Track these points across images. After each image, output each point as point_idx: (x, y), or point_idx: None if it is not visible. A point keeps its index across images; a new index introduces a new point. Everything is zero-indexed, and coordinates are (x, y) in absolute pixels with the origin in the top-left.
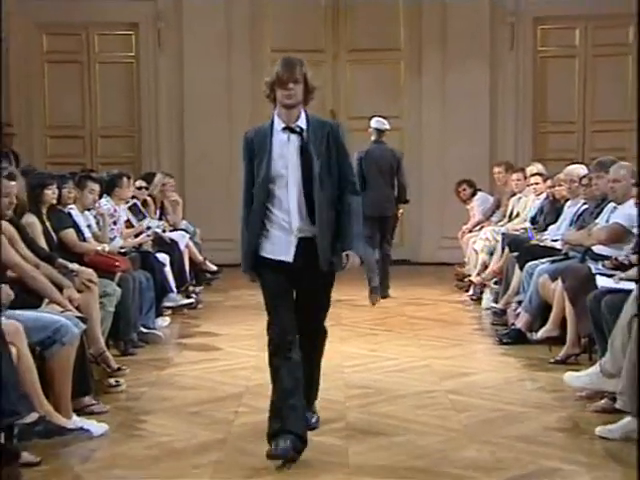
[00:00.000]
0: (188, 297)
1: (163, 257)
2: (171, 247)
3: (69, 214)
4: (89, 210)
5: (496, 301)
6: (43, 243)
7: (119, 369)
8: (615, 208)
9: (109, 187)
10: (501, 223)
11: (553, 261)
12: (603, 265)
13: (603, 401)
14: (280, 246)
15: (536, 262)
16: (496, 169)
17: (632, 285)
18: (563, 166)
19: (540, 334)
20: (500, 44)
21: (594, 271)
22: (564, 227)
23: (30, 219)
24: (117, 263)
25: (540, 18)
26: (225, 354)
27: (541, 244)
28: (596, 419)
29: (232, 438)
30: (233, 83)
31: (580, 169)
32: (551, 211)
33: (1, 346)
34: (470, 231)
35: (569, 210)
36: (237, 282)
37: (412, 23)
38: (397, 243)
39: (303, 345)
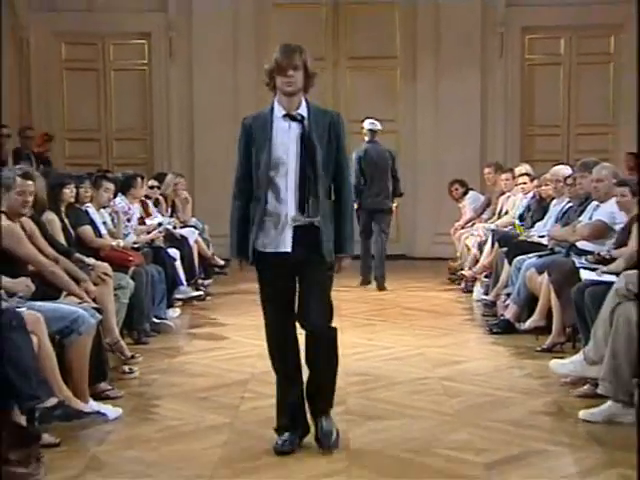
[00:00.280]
0: (197, 289)
1: (174, 252)
2: (181, 243)
3: (86, 212)
4: (104, 208)
5: (486, 293)
6: (62, 239)
7: (133, 357)
8: (598, 206)
9: (124, 187)
10: (491, 220)
11: (540, 256)
12: (586, 259)
13: (586, 387)
14: (277, 238)
15: (524, 257)
16: (486, 170)
17: (614, 278)
18: (549, 167)
19: (527, 324)
20: (490, 52)
21: (578, 265)
22: (550, 224)
23: (50, 216)
24: (131, 258)
25: (528, 28)
26: (232, 343)
27: (528, 240)
28: (579, 403)
29: (238, 422)
30: (239, 89)
31: (565, 169)
32: (538, 209)
33: (22, 335)
34: (462, 228)
35: (555, 208)
36: (243, 275)
37: (407, 32)
38: (393, 239)
39: (311, 347)
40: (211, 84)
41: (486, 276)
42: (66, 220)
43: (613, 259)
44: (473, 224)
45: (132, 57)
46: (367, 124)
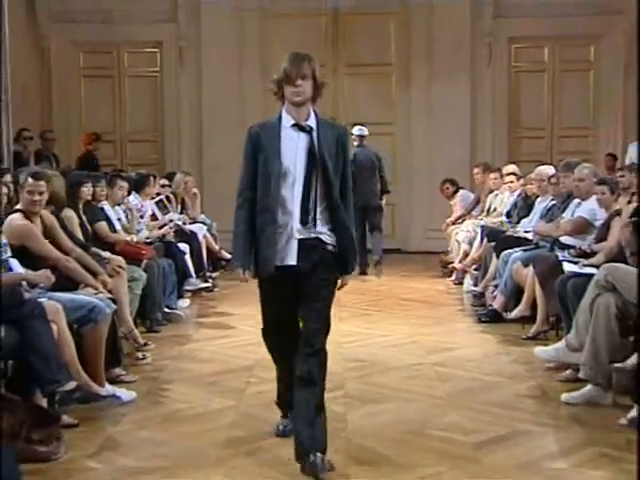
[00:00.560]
0: (205, 281)
1: (184, 246)
2: (191, 238)
3: (102, 209)
4: (119, 205)
5: (476, 285)
6: (79, 234)
7: (145, 344)
8: (579, 204)
9: (138, 185)
10: (480, 217)
11: (525, 250)
12: (569, 253)
13: (568, 371)
14: (283, 249)
15: (510, 251)
16: (475, 169)
17: (594, 270)
18: (534, 167)
19: (514, 314)
20: (479, 61)
21: (561, 258)
22: (535, 220)
23: (68, 213)
24: (143, 252)
25: (514, 38)
26: (238, 331)
27: (515, 235)
28: (562, 387)
29: (243, 405)
30: (245, 94)
31: (549, 169)
32: (524, 206)
33: (43, 324)
34: (453, 224)
35: (539, 205)
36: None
37: (402, 42)
38: (389, 234)
39: (304, 363)
40: (218, 90)
41: (475, 269)
42: (83, 217)
43: (593, 253)
44: (463, 220)
45: (145, 65)
46: (356, 130)
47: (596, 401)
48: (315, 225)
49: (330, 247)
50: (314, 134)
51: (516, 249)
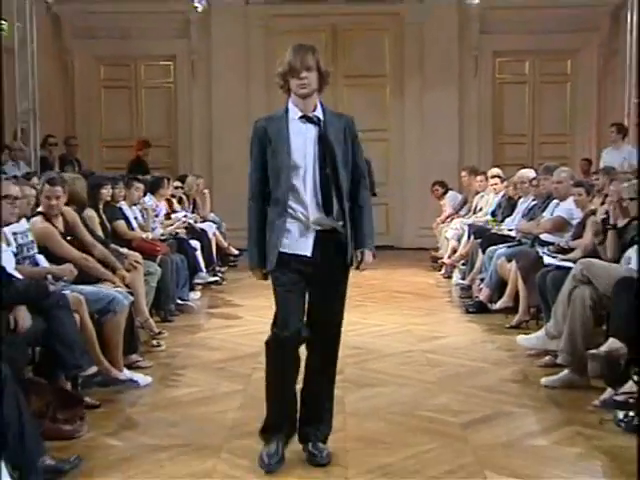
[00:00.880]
0: (215, 275)
1: (195, 243)
2: (201, 235)
3: (120, 208)
4: (135, 205)
5: (463, 278)
6: (100, 232)
7: (160, 333)
8: (558, 204)
9: (153, 187)
10: (467, 216)
11: (509, 246)
12: (548, 249)
13: (547, 358)
14: (297, 240)
15: (495, 247)
16: (463, 173)
17: (571, 265)
18: (516, 170)
19: (498, 305)
20: (466, 72)
21: (541, 254)
22: (517, 219)
23: (89, 213)
24: (158, 248)
25: (498, 52)
26: (244, 321)
27: (499, 233)
28: (541, 372)
29: (250, 389)
30: (251, 104)
31: (530, 172)
32: (507, 206)
33: (67, 314)
34: (443, 222)
35: (521, 205)
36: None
37: (396, 55)
38: (384, 232)
39: (316, 360)
40: (227, 100)
41: (463, 264)
42: (103, 216)
43: (571, 249)
44: (452, 219)
45: (160, 77)
46: None
47: (572, 384)
48: (329, 215)
49: (344, 238)
50: (322, 125)
51: (500, 245)
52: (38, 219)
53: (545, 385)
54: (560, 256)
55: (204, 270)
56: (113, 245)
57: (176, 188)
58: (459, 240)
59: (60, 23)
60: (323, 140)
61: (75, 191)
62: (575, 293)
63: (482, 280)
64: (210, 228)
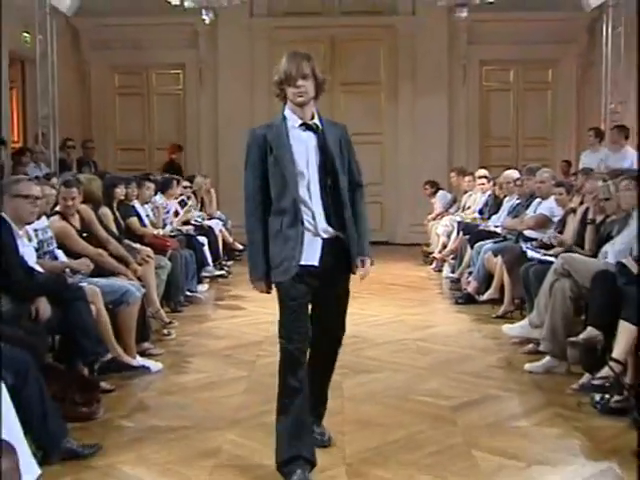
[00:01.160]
0: (221, 269)
1: (202, 239)
2: (208, 232)
3: (133, 207)
4: (147, 203)
5: (453, 272)
6: (114, 229)
7: (170, 322)
8: (540, 202)
9: (163, 187)
10: (457, 214)
11: (495, 242)
12: (531, 244)
13: (530, 345)
14: (306, 250)
15: (482, 242)
16: (452, 173)
17: (553, 259)
18: (502, 171)
19: (485, 296)
20: (455, 80)
21: (525, 249)
22: (503, 217)
23: (104, 210)
24: (168, 243)
25: (485, 61)
26: (249, 312)
27: (486, 229)
28: (525, 358)
29: (255, 374)
30: (255, 110)
31: (514, 173)
32: (493, 205)
33: (84, 305)
34: (433, 219)
35: (507, 204)
36: None
37: (390, 64)
38: (379, 229)
39: (320, 360)
40: (232, 106)
41: (452, 258)
42: (117, 213)
43: (552, 245)
44: (442, 217)
45: (170, 84)
46: None
47: (553, 370)
48: (333, 223)
49: (346, 245)
50: (320, 132)
51: (487, 241)
52: (56, 218)
53: (528, 371)
54: (542, 251)
55: (211, 264)
56: (126, 241)
57: (185, 188)
58: (449, 236)
59: (78, 35)
60: (323, 148)
61: (91, 191)
62: (556, 285)
63: (470, 273)
64: (217, 225)
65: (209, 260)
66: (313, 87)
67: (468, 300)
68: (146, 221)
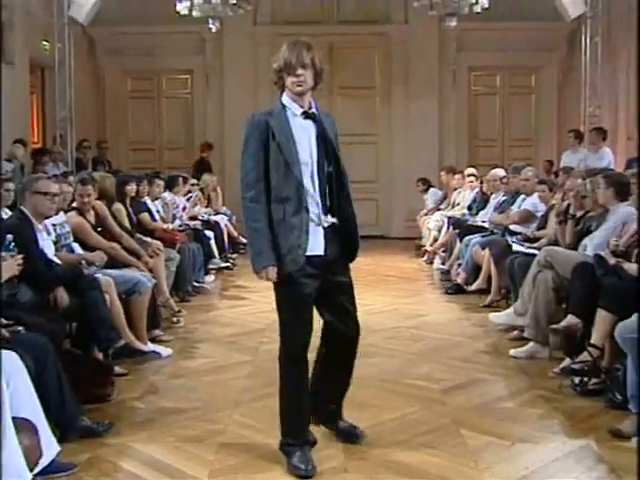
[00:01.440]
0: (227, 261)
1: (209, 233)
2: (214, 226)
3: (144, 203)
4: (157, 200)
5: (443, 264)
6: (127, 223)
7: (179, 311)
8: (525, 199)
9: (171, 185)
10: (447, 210)
11: (483, 236)
12: (517, 238)
13: (515, 332)
14: (311, 240)
15: (471, 236)
16: (442, 172)
17: (536, 252)
18: (489, 169)
19: (473, 287)
20: (445, 85)
21: (510, 242)
22: (490, 212)
23: (117, 206)
24: (177, 237)
25: (473, 67)
26: (252, 301)
27: (474, 224)
28: (510, 344)
29: (258, 359)
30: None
31: (501, 172)
32: (481, 201)
33: (99, 294)
34: (425, 215)
35: (493, 200)
36: None
37: (384, 69)
38: (374, 224)
39: (344, 349)
40: (237, 109)
41: (443, 251)
42: (129, 209)
43: (536, 238)
44: (434, 212)
45: (179, 88)
46: None
47: (536, 355)
48: (333, 213)
49: (346, 233)
50: (319, 122)
51: (475, 235)
52: (73, 214)
53: (513, 356)
54: (527, 244)
55: (217, 257)
56: (138, 235)
57: (192, 185)
58: (439, 230)
59: (94, 44)
60: (324, 137)
61: (105, 188)
62: (539, 276)
63: (459, 265)
64: (222, 220)
65: (215, 253)
66: (312, 77)
67: (457, 290)
68: (156, 216)
